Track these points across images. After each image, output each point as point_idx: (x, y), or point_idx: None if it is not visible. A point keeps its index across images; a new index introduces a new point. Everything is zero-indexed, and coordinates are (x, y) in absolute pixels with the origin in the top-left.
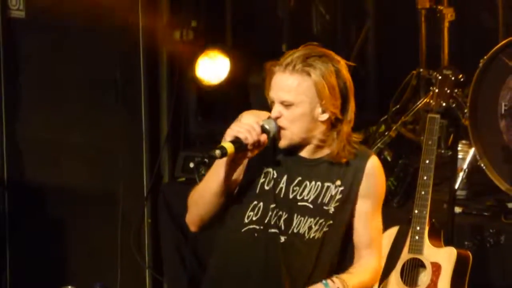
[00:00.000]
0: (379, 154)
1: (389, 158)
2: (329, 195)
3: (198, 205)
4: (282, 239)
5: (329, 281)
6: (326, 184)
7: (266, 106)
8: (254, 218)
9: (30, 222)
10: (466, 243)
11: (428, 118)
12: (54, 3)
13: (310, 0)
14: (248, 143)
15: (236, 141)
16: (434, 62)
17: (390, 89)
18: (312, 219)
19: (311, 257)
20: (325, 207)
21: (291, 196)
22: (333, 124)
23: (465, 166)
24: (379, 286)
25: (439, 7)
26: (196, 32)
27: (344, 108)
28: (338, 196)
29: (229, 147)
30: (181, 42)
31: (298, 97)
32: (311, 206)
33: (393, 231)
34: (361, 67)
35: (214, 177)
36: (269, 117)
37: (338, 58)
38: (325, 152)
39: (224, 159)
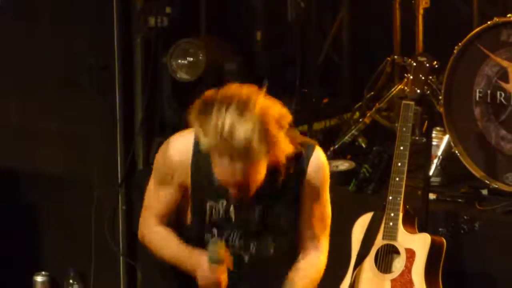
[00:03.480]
0: (353, 141)
1: (363, 145)
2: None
3: (158, 256)
4: (246, 258)
5: None
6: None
7: None
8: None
9: (3, 207)
10: (440, 229)
11: (403, 105)
12: None
13: None
14: None
15: None
16: (408, 49)
17: (365, 76)
18: (270, 238)
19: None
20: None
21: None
22: None
23: (439, 153)
24: (353, 272)
25: None
26: (170, 18)
27: None
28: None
29: None
30: (156, 29)
31: (258, 169)
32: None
33: (367, 217)
34: (335, 54)
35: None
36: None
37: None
38: None
39: None
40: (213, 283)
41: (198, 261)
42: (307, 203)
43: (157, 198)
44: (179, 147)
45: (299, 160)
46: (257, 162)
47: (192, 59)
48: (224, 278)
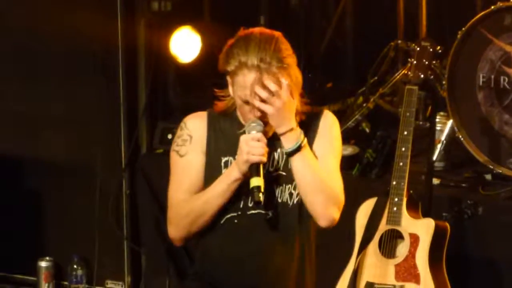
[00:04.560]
0: (357, 126)
1: (367, 130)
2: None
3: (195, 223)
4: (270, 214)
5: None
6: None
7: None
8: (228, 207)
9: (7, 194)
10: (444, 214)
11: (406, 89)
12: None
13: None
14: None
15: (257, 167)
16: (412, 34)
17: (368, 61)
18: (289, 185)
19: (295, 222)
20: None
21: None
22: None
23: (443, 137)
24: (357, 257)
25: None
26: (174, 3)
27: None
28: None
29: (261, 182)
30: (159, 14)
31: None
32: (284, 173)
33: (371, 202)
34: (339, 39)
35: (225, 193)
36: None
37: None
38: None
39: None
40: (255, 145)
41: (233, 163)
42: (320, 152)
43: (182, 171)
44: (194, 116)
45: (311, 118)
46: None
47: (190, 43)
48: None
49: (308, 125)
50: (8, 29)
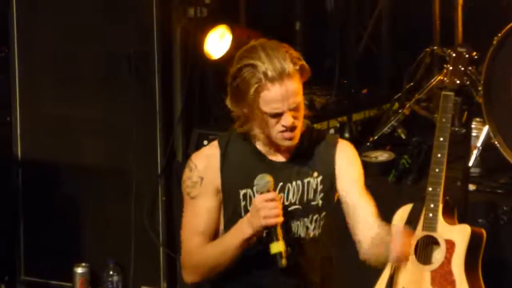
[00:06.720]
0: (393, 132)
1: (403, 136)
2: (312, 189)
3: (211, 272)
4: (288, 250)
5: None
6: (306, 180)
7: None
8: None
9: (43, 199)
10: (479, 220)
11: (442, 95)
12: None
13: None
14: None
15: (275, 230)
16: (448, 40)
17: (404, 67)
18: (306, 219)
19: (316, 255)
20: (313, 203)
21: None
22: None
23: (479, 143)
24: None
25: None
26: (209, 9)
27: None
28: (320, 187)
29: (282, 246)
30: (195, 19)
31: (301, 95)
32: (300, 207)
33: (406, 208)
34: (374, 45)
35: (240, 247)
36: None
37: None
38: (290, 149)
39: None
40: (271, 207)
41: (245, 218)
42: (351, 185)
43: (194, 214)
44: (205, 156)
45: (322, 152)
46: (300, 83)
47: (222, 39)
48: (278, 205)
49: (323, 155)
50: (45, 34)
